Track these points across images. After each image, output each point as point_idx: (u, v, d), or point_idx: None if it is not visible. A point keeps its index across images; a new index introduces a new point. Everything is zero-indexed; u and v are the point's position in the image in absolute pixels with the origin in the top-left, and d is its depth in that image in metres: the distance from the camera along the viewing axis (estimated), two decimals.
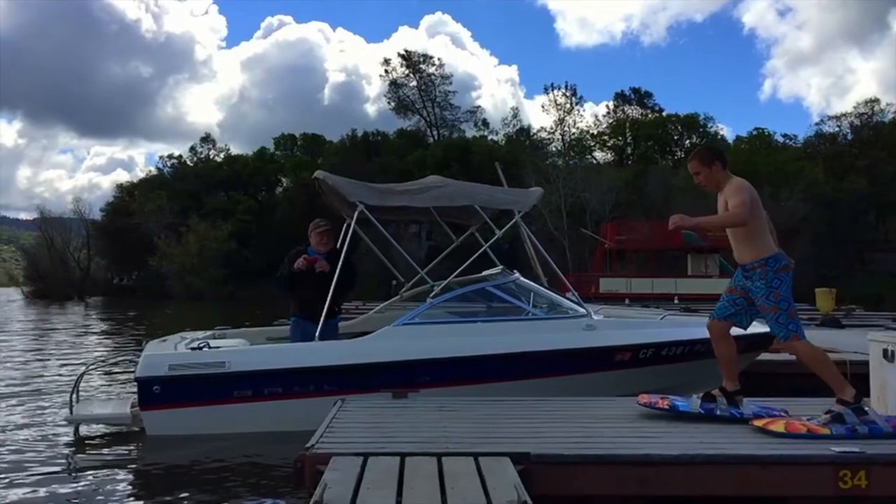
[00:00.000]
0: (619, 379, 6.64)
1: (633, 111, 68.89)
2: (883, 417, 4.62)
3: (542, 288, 7.52)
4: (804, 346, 4.79)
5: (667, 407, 5.02)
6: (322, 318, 6.56)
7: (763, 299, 4.80)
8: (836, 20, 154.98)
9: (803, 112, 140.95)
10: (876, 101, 58.53)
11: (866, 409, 4.61)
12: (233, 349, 6.71)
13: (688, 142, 66.15)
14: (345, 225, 7.46)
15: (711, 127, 66.71)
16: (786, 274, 4.82)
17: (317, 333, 6.54)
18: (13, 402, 8.53)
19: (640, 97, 69.55)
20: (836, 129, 59.86)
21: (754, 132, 63.24)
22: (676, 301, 26.84)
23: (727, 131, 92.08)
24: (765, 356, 8.36)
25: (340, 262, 6.81)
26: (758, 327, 7.98)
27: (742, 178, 4.99)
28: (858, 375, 8.28)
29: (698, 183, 5.10)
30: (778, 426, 4.54)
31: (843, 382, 4.72)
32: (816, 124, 64.82)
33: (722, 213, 4.86)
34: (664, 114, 67.67)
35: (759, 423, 4.66)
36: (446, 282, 7.26)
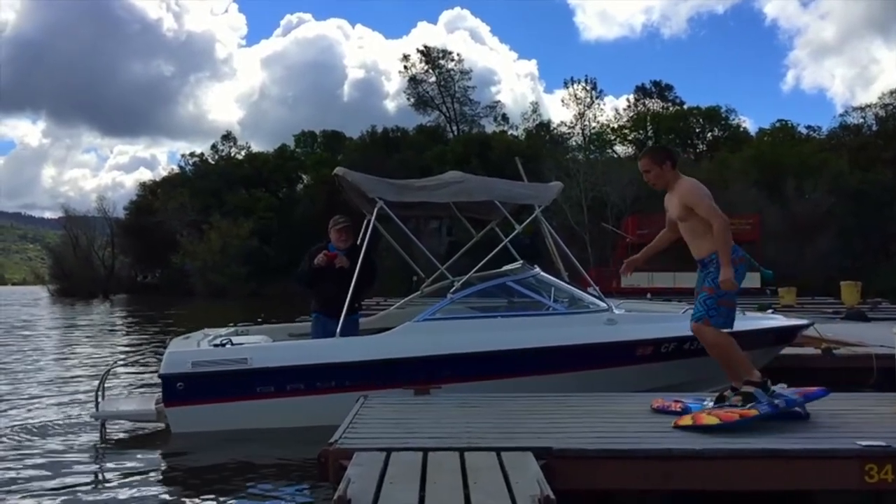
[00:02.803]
0: (641, 373, 6.61)
1: (654, 104, 68.26)
2: (789, 390, 4.77)
3: (562, 282, 7.50)
4: (711, 331, 4.86)
5: (679, 410, 4.99)
6: (343, 315, 6.59)
7: (710, 281, 4.86)
8: (860, 10, 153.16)
9: (827, 103, 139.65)
10: None
11: (772, 388, 4.72)
12: (255, 346, 6.75)
13: (709, 135, 65.55)
14: (365, 221, 7.48)
15: (733, 119, 66.01)
16: (740, 266, 4.88)
17: (338, 329, 6.57)
18: (41, 399, 8.66)
19: (661, 90, 68.92)
20: (861, 120, 59.02)
21: (777, 124, 62.52)
22: None
23: (749, 123, 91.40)
24: (789, 350, 8.29)
25: (361, 258, 6.82)
26: (778, 321, 7.94)
27: (693, 179, 5.05)
28: (884, 369, 8.21)
29: (647, 181, 5.16)
30: (710, 420, 4.52)
31: (750, 365, 4.84)
32: (840, 115, 63.89)
33: (716, 236, 4.79)
34: (685, 107, 66.97)
35: (684, 422, 4.60)
36: (466, 277, 7.26)
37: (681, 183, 4.99)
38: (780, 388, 4.85)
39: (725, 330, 4.97)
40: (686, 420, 4.61)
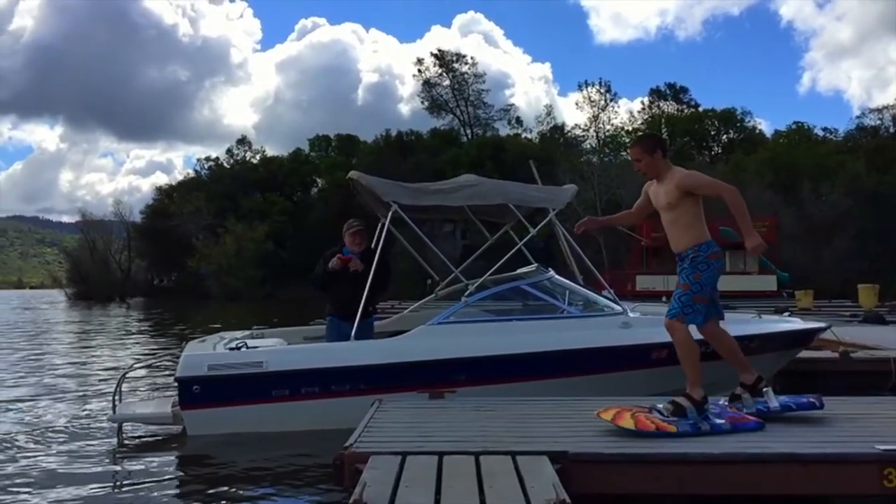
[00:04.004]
0: (656, 377, 6.57)
1: (669, 107, 68.05)
2: (723, 417, 4.68)
3: (577, 286, 7.48)
4: (683, 330, 4.80)
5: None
6: (358, 318, 6.60)
7: (684, 277, 4.84)
8: (877, 11, 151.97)
9: (843, 105, 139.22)
10: None
11: (708, 412, 4.65)
12: (270, 349, 6.77)
13: (725, 137, 65.25)
14: (379, 224, 7.49)
15: (749, 121, 65.74)
16: (716, 262, 4.84)
17: (352, 333, 6.58)
18: (58, 402, 8.73)
19: (676, 92, 68.71)
20: (878, 121, 58.63)
21: (793, 126, 62.22)
22: None
23: (765, 125, 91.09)
24: (806, 353, 8.23)
25: (375, 262, 6.84)
26: (795, 324, 7.88)
27: (682, 168, 5.04)
28: None
29: (638, 170, 5.14)
30: (627, 422, 4.52)
31: (698, 382, 4.75)
32: (857, 117, 63.70)
33: (732, 205, 4.72)
34: (700, 109, 66.79)
35: (606, 416, 4.61)
36: (481, 280, 7.25)
37: (674, 171, 4.95)
38: (713, 402, 4.83)
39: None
40: (607, 414, 4.63)
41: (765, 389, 4.90)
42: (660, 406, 4.70)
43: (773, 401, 4.85)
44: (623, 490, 4.06)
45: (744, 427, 4.59)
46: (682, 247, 4.90)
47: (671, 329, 4.86)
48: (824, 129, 62.16)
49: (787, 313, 10.50)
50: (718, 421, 4.60)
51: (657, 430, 4.45)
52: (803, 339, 7.77)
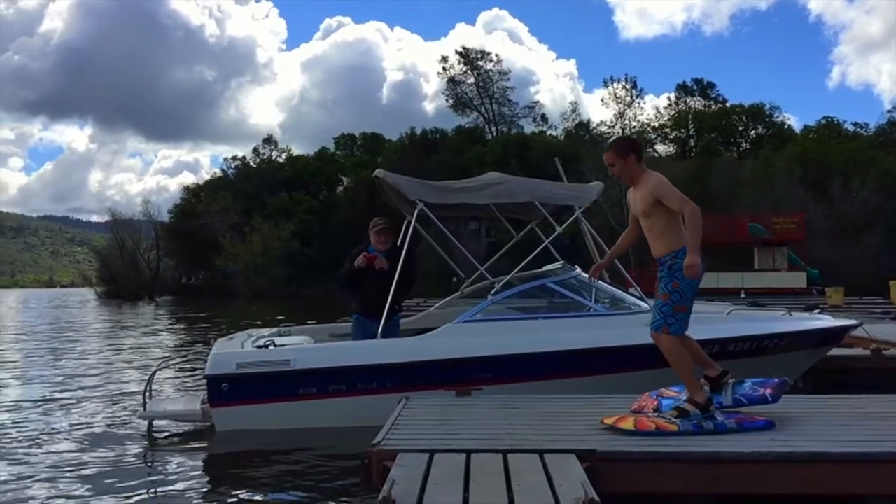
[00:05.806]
0: None
1: (696, 103, 67.28)
2: (731, 417, 4.60)
3: (603, 283, 7.44)
4: (669, 340, 4.73)
5: (654, 407, 4.89)
6: (384, 316, 6.62)
7: (662, 286, 4.76)
8: None
9: (874, 99, 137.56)
10: None
11: (715, 415, 4.57)
12: (297, 347, 6.81)
13: (753, 133, 64.49)
14: (405, 222, 7.50)
15: (778, 117, 64.90)
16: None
17: (378, 331, 6.61)
18: (90, 399, 8.85)
19: (703, 88, 67.88)
20: None
21: (823, 121, 61.31)
22: (743, 295, 26.25)
23: (794, 121, 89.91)
24: (837, 351, 8.13)
25: (401, 260, 6.85)
26: (826, 322, 7.78)
27: (658, 173, 4.90)
28: None
29: (613, 174, 5.05)
30: (627, 424, 4.48)
31: (698, 386, 4.69)
32: (888, 111, 62.45)
33: (688, 221, 4.59)
34: (728, 105, 66.01)
35: (609, 420, 4.59)
36: (507, 278, 7.24)
37: (648, 176, 4.85)
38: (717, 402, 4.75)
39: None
40: (610, 419, 4.61)
41: (729, 382, 4.83)
42: (666, 415, 4.64)
43: (728, 397, 4.78)
44: (652, 489, 4.04)
45: (751, 426, 4.53)
46: (658, 253, 4.83)
47: (657, 341, 4.82)
48: (854, 124, 61.27)
49: (817, 310, 10.38)
50: (723, 420, 4.55)
51: (657, 430, 4.42)
52: (834, 336, 7.67)
